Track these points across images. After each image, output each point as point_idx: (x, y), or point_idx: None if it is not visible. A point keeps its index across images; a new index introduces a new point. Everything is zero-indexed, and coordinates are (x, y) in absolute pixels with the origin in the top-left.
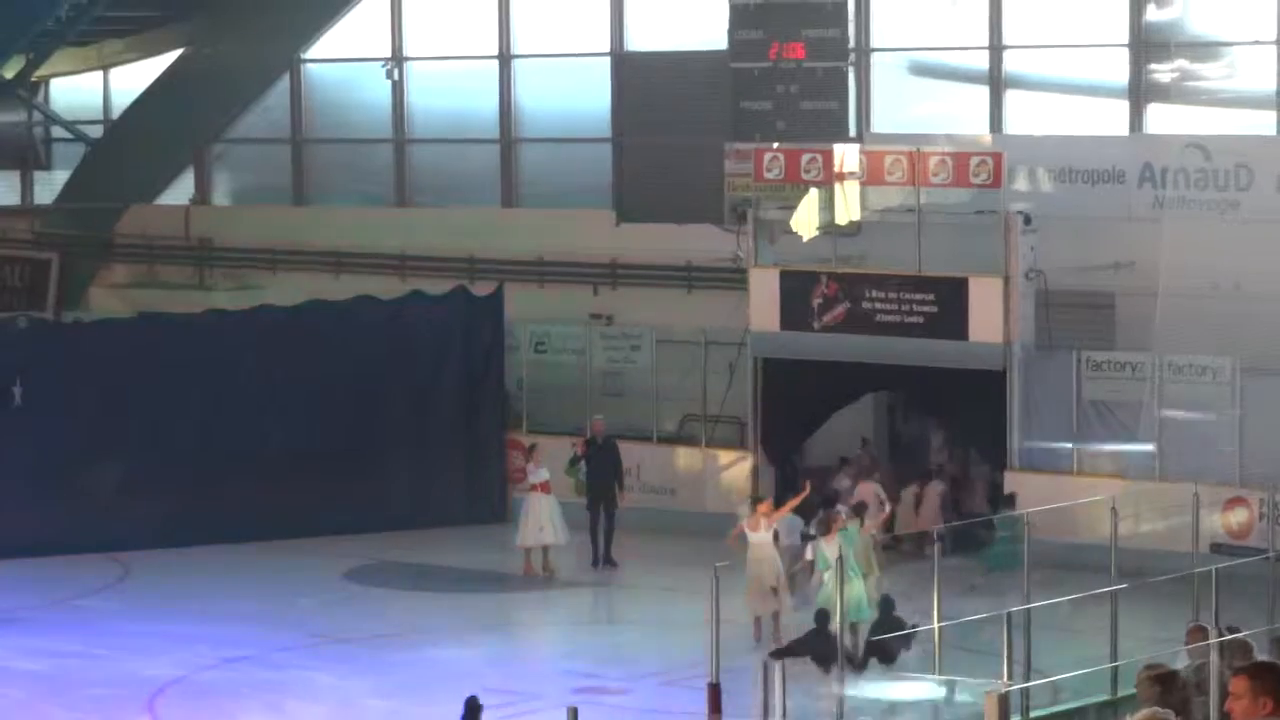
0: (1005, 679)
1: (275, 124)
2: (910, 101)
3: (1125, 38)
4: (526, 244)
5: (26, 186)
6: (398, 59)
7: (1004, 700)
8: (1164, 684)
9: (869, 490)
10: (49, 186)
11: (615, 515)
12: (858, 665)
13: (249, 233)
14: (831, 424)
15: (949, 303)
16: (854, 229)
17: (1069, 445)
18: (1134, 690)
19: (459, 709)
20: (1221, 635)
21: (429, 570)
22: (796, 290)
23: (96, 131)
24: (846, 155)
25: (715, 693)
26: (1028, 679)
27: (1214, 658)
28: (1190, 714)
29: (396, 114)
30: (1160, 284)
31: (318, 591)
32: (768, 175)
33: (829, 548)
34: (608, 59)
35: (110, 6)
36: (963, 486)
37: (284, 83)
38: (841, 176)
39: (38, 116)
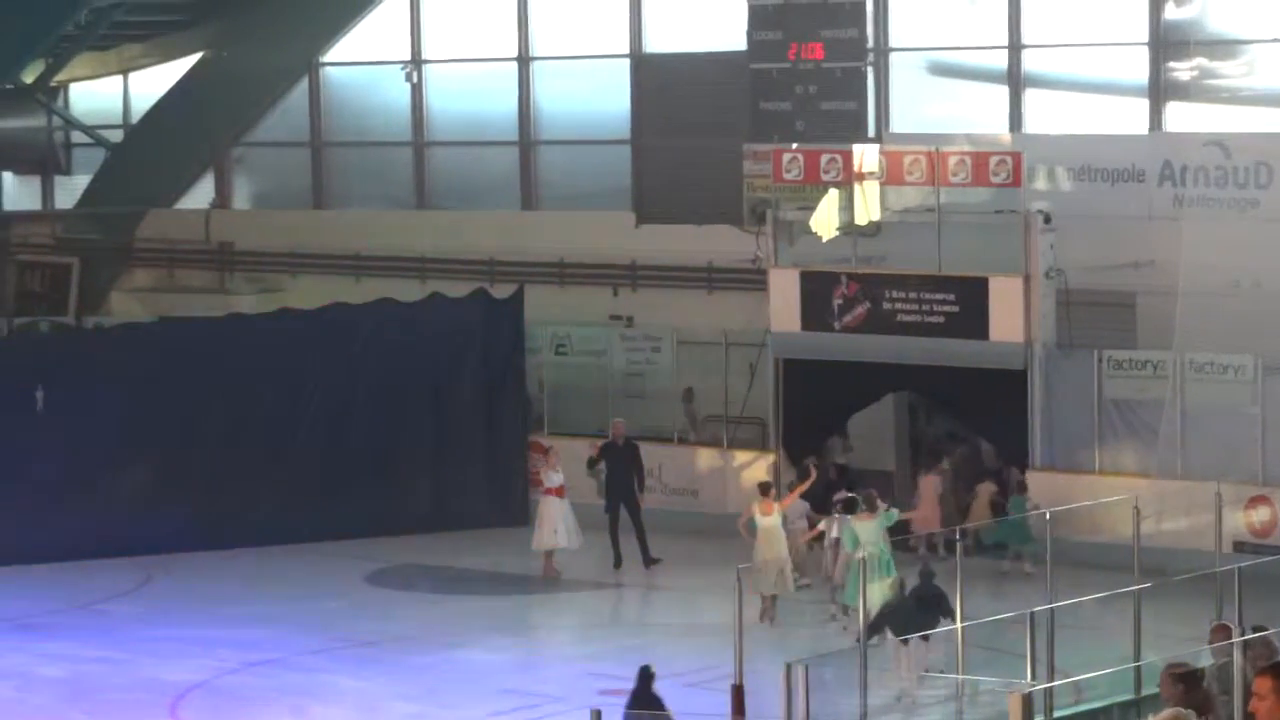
0: (1029, 678)
1: (295, 127)
2: (929, 101)
3: (1144, 36)
4: (546, 246)
5: (47, 191)
6: (417, 62)
7: (1027, 700)
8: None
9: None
10: (69, 191)
11: (641, 515)
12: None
13: (269, 236)
14: (852, 424)
15: (969, 302)
16: (874, 229)
17: (1090, 444)
18: (1157, 689)
19: (482, 712)
20: (1245, 634)
21: (451, 573)
22: (817, 291)
23: (116, 136)
24: (866, 155)
25: (739, 694)
26: (1051, 678)
27: (1237, 657)
28: (1214, 713)
29: (416, 117)
30: (1181, 282)
31: (340, 595)
32: (787, 176)
33: (862, 527)
34: (627, 61)
35: (129, 11)
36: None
37: (303, 86)
38: (861, 177)
39: (58, 121)
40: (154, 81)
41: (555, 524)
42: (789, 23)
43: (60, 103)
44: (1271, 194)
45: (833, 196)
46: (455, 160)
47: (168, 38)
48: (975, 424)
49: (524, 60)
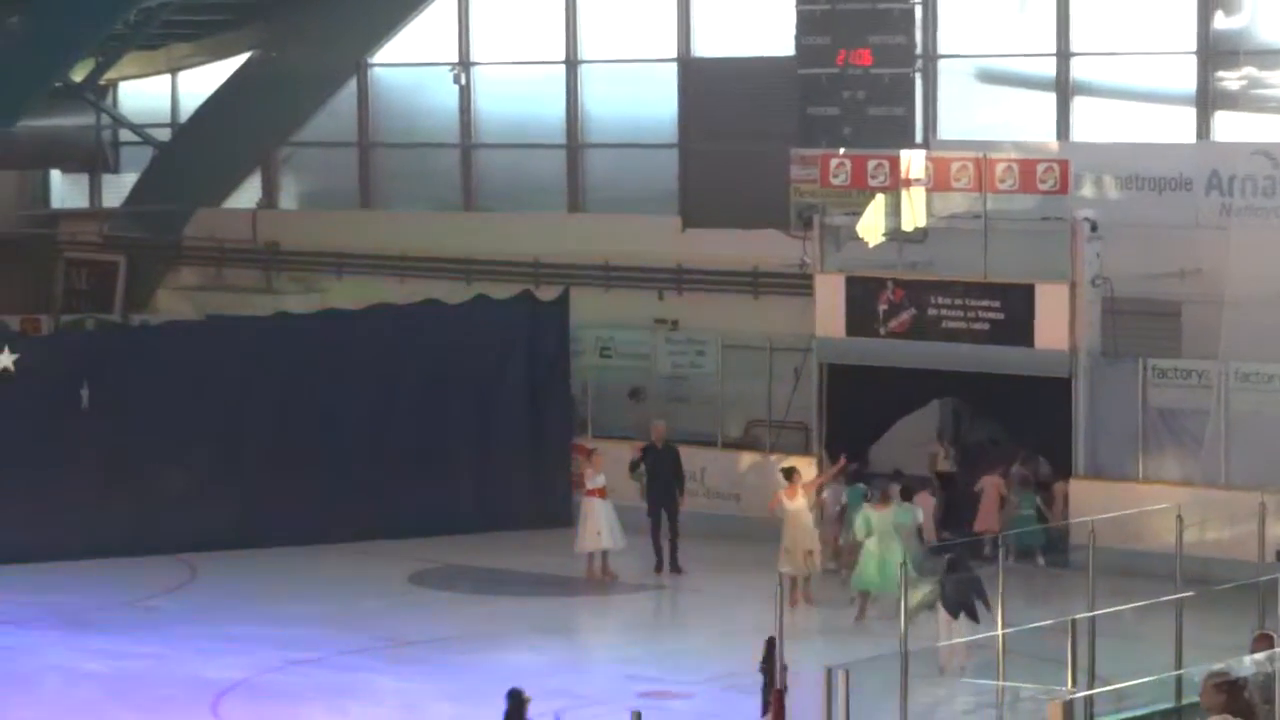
0: (1069, 686)
1: (342, 128)
2: (977, 108)
3: (1193, 45)
4: (592, 249)
5: (95, 189)
6: (465, 64)
7: (1068, 708)
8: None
9: (992, 483)
10: (117, 189)
11: (678, 520)
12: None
13: (316, 236)
14: (896, 430)
15: (1015, 309)
16: (920, 235)
17: (1134, 453)
18: (1198, 699)
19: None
20: None
21: (494, 574)
22: (862, 296)
23: (164, 135)
24: (913, 161)
25: (779, 698)
26: (1091, 686)
27: None
28: None
29: (463, 119)
30: (1227, 291)
31: (382, 594)
32: (834, 181)
33: (877, 515)
34: (674, 64)
35: (178, 10)
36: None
37: (351, 87)
38: (908, 182)
39: (106, 120)
40: (203, 81)
41: (598, 525)
42: (838, 28)
43: (109, 101)
44: None
45: (879, 202)
46: (502, 162)
47: (217, 37)
48: (1019, 431)
49: (572, 63)
